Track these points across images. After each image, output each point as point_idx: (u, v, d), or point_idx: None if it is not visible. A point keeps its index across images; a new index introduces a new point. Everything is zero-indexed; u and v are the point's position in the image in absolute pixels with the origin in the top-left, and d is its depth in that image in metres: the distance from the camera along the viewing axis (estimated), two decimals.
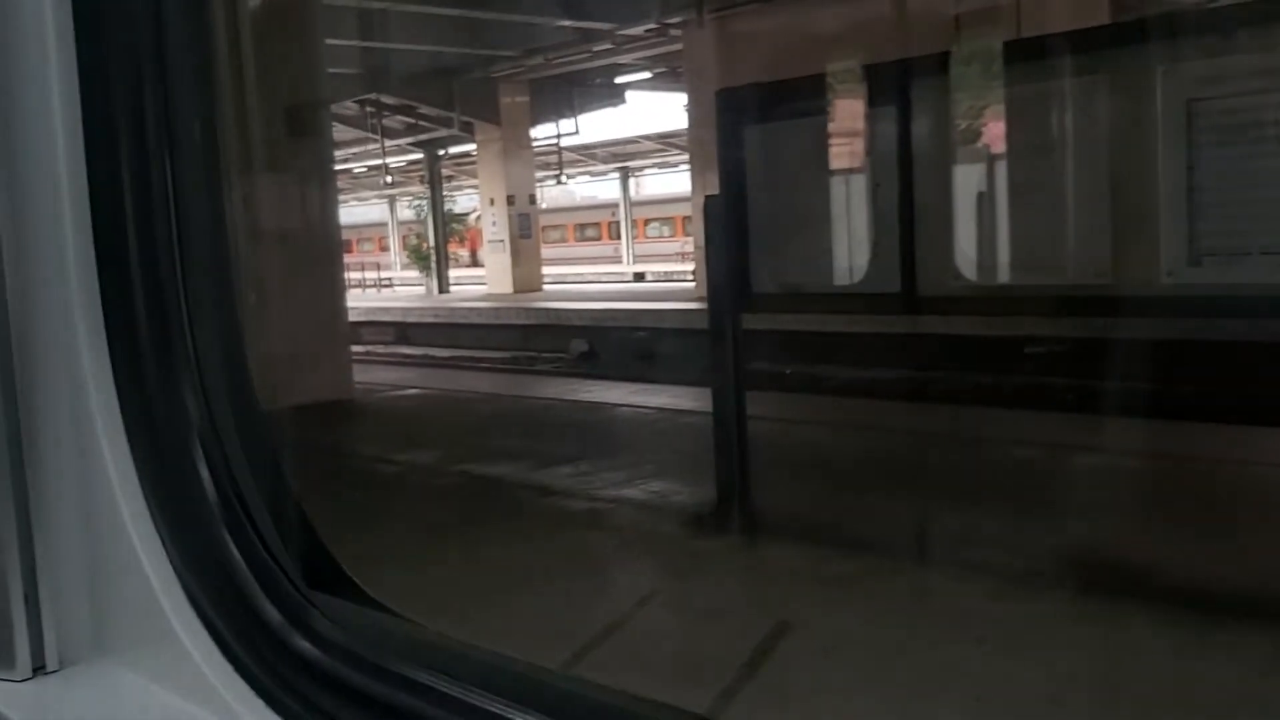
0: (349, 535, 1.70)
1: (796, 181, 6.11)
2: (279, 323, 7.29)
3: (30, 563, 1.32)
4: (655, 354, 14.92)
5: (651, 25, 18.68)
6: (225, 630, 1.27)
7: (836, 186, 5.89)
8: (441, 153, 28.16)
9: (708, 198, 6.20)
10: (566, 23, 18.17)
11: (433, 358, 17.38)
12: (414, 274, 32.28)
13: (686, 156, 25.75)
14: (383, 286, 35.60)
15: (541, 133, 25.88)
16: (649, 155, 35.65)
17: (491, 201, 24.42)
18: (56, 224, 1.32)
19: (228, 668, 1.24)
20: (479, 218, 28.15)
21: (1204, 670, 3.85)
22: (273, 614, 1.28)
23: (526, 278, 24.06)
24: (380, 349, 18.59)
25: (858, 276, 5.78)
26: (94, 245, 1.33)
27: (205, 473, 1.33)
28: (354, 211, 41.20)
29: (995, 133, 5.49)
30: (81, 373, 1.33)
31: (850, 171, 5.88)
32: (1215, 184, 4.35)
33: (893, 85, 5.60)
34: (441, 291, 27.03)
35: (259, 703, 1.21)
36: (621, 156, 36.20)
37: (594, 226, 42.36)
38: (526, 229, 24.42)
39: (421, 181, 30.46)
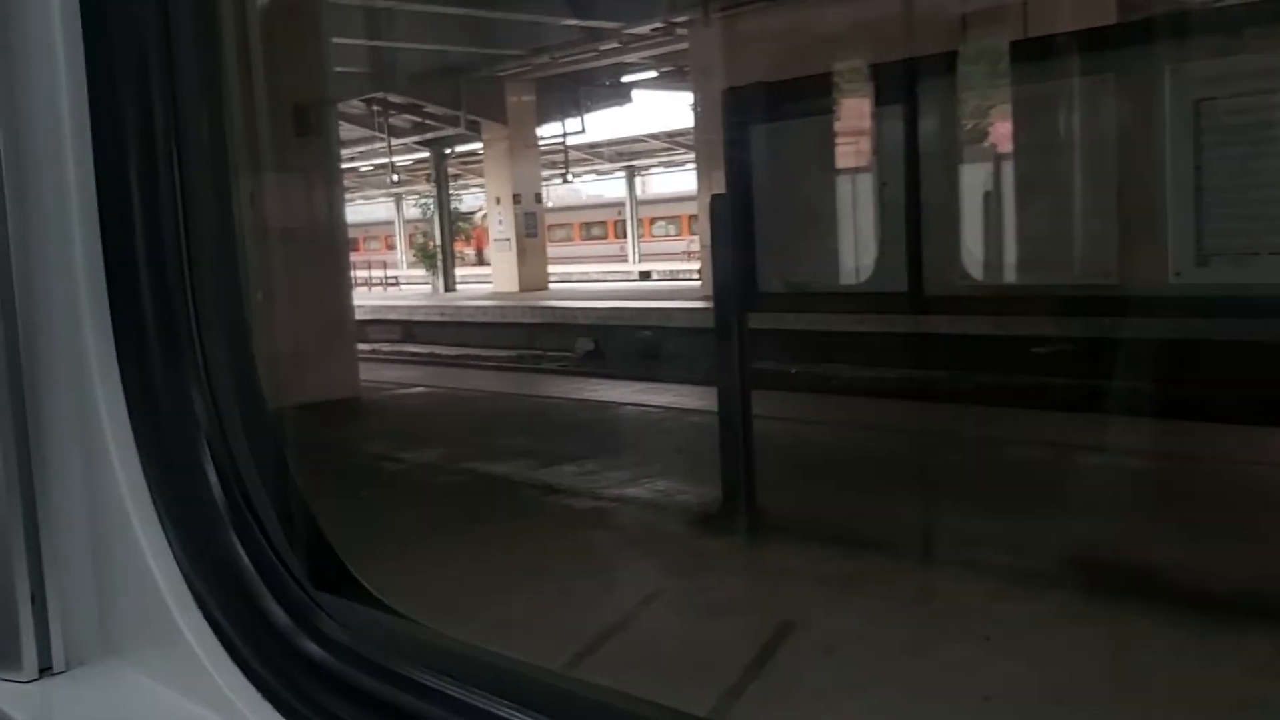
0: (355, 534, 1.70)
1: (803, 181, 6.11)
2: (285, 321, 7.30)
3: (37, 563, 1.32)
4: (661, 353, 14.90)
5: (658, 24, 18.66)
6: (231, 631, 1.27)
7: (843, 186, 5.88)
8: (448, 151, 28.16)
9: (714, 197, 6.20)
10: (573, 22, 18.13)
11: (439, 356, 17.38)
12: (420, 272, 32.29)
13: (693, 155, 25.70)
14: (389, 285, 35.66)
15: (548, 131, 25.86)
16: (655, 154, 35.59)
17: (498, 200, 24.39)
18: (64, 224, 1.32)
19: (234, 669, 1.24)
20: (485, 216, 28.12)
21: (1204, 670, 3.84)
22: (279, 615, 1.28)
23: (532, 276, 24.02)
24: (386, 347, 18.58)
25: (864, 276, 5.78)
26: (102, 245, 1.32)
27: (212, 474, 1.33)
28: (360, 210, 41.26)
29: (1002, 132, 5.48)
30: (89, 373, 1.33)
31: (856, 171, 5.88)
32: (1223, 184, 4.35)
33: (899, 85, 5.59)
34: (447, 290, 27.04)
35: (265, 704, 1.21)
36: (627, 155, 36.15)
37: (600, 225, 42.30)
38: (532, 228, 24.40)
39: (428, 180, 30.48)
